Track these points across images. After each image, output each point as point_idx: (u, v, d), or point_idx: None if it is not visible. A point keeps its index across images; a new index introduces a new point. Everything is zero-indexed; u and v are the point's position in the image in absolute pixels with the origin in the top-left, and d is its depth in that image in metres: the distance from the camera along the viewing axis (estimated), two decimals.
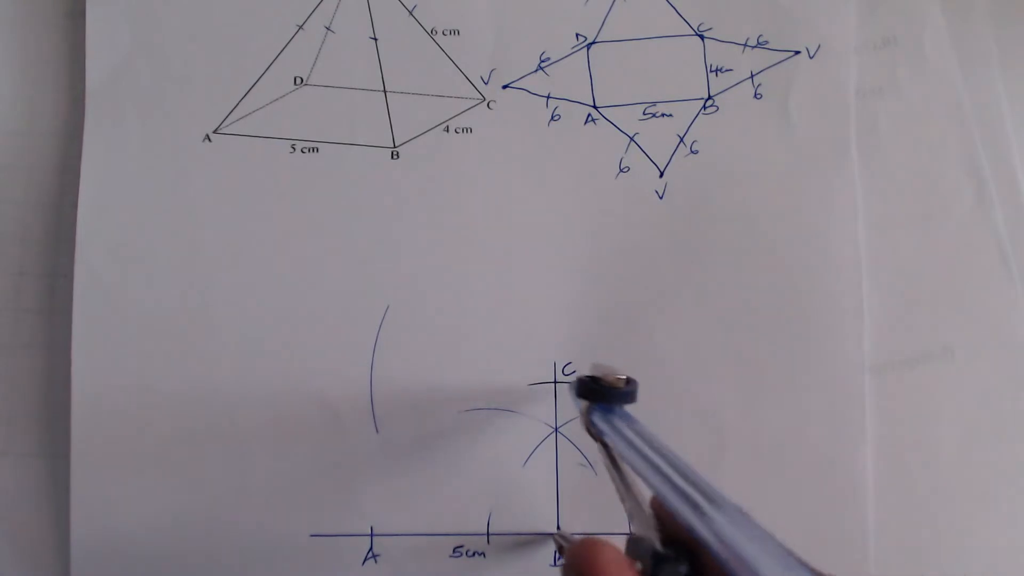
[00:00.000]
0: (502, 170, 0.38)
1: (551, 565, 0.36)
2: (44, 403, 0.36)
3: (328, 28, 0.38)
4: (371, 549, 0.36)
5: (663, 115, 0.38)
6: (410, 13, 0.38)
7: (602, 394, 0.30)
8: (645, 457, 0.26)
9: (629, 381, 0.31)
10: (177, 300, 0.36)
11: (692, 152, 0.38)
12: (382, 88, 0.37)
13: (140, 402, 0.36)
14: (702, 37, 0.38)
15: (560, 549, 0.35)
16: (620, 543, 0.36)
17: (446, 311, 0.37)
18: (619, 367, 0.31)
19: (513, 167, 0.38)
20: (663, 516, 0.25)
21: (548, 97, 0.38)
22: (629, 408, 0.30)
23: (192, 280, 0.36)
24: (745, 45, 0.38)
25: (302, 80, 0.37)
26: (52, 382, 0.36)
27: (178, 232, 0.37)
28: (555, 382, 0.37)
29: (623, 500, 0.27)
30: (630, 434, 0.28)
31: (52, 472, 0.36)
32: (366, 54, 0.38)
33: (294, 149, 0.37)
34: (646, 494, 0.26)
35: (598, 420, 0.29)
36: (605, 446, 0.29)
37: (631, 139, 0.38)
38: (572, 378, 0.35)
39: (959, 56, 0.38)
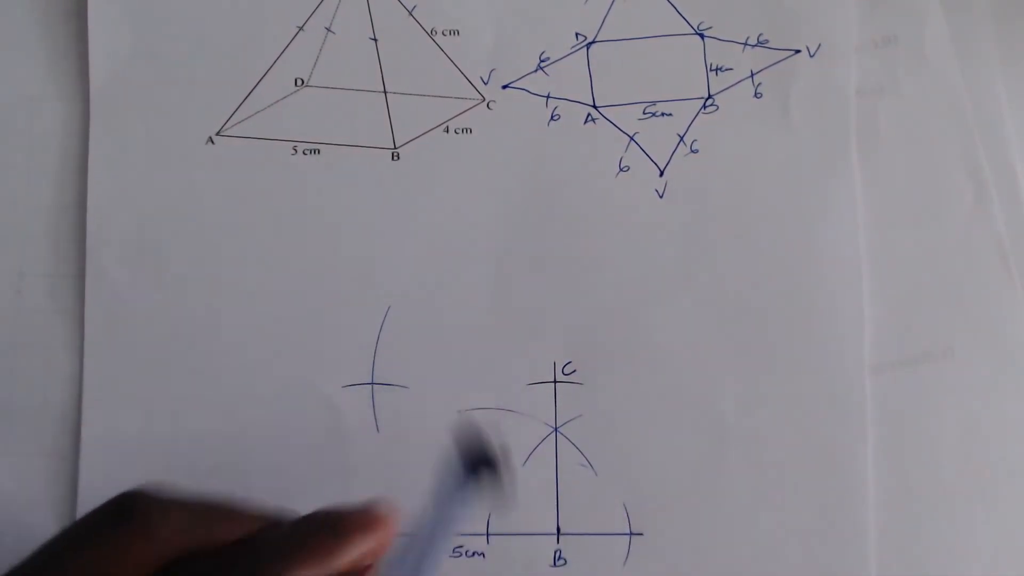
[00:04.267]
0: (502, 170, 0.38)
1: (551, 566, 0.36)
2: (44, 403, 0.36)
3: (328, 29, 0.38)
4: None
5: (663, 114, 0.38)
6: (410, 13, 0.38)
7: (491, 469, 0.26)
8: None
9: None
10: (181, 300, 0.36)
11: (692, 151, 0.38)
12: (382, 89, 0.37)
13: (146, 402, 0.36)
14: (702, 36, 0.38)
15: None
16: (621, 542, 0.36)
17: (446, 311, 0.37)
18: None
19: (513, 167, 0.38)
20: None
21: (548, 97, 0.38)
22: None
23: (196, 281, 0.36)
24: (745, 44, 0.38)
25: (303, 81, 0.37)
26: (52, 382, 0.36)
27: (183, 234, 0.37)
28: (555, 382, 0.37)
29: None
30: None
31: (53, 473, 0.36)
32: (366, 55, 0.38)
33: (296, 151, 0.37)
34: None
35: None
36: None
37: (631, 138, 0.38)
38: (464, 438, 0.28)
39: (959, 56, 0.38)
